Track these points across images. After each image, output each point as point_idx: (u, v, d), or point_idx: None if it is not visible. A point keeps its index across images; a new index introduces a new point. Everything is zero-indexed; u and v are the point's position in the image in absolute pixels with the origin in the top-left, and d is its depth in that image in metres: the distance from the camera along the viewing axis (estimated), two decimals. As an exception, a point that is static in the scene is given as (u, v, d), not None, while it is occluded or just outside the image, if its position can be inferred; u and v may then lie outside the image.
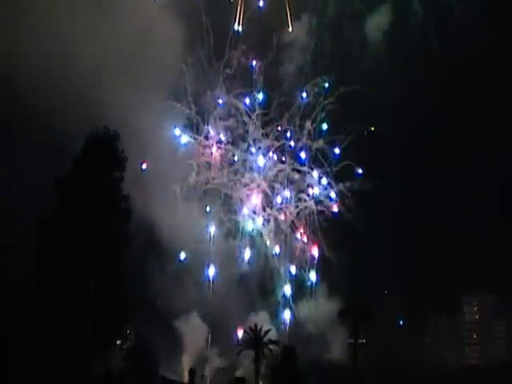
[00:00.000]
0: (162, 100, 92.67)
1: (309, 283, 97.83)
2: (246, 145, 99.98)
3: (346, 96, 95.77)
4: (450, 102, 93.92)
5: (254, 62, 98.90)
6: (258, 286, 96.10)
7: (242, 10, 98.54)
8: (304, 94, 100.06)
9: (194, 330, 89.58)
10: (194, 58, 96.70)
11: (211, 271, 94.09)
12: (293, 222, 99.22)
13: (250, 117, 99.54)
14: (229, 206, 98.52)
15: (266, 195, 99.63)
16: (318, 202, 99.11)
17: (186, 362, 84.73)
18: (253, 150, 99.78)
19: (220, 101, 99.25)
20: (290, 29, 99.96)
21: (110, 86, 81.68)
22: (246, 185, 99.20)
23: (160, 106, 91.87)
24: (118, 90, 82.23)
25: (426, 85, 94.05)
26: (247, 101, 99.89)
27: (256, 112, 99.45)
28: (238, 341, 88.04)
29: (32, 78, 75.54)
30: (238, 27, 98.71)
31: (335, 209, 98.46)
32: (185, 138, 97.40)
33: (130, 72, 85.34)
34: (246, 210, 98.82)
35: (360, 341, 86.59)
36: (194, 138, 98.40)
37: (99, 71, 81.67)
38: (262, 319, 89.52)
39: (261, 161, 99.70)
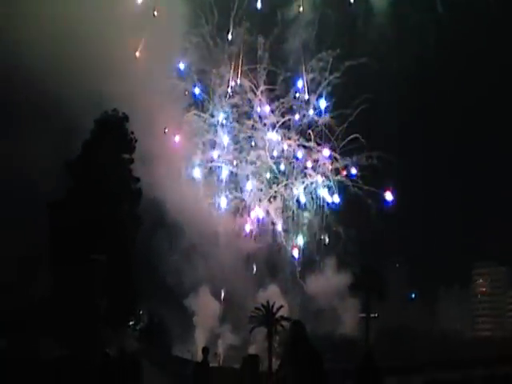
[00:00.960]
0: (167, 79, 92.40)
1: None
2: (251, 122, 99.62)
3: (352, 70, 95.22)
4: (458, 71, 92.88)
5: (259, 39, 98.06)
6: (265, 263, 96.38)
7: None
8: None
9: (205, 308, 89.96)
10: (199, 36, 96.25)
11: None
12: (299, 198, 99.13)
13: (255, 94, 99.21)
14: (234, 184, 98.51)
15: (271, 171, 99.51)
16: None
17: (199, 341, 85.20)
18: (257, 125, 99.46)
19: (225, 78, 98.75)
20: None
21: (114, 65, 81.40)
22: (251, 162, 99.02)
23: (165, 85, 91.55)
24: (123, 70, 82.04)
25: (434, 55, 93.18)
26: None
27: (261, 89, 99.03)
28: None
29: (38, 59, 75.38)
30: None
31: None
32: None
33: (134, 51, 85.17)
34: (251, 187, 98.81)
35: (372, 315, 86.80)
36: (199, 116, 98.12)
37: (102, 51, 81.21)
38: (272, 292, 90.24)
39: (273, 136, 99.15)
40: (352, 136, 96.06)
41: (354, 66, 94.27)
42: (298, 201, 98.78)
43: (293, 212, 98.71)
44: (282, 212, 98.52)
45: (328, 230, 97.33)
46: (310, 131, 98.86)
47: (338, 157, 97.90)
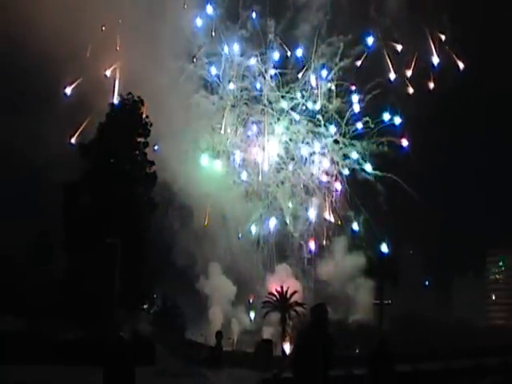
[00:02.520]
0: (177, 61, 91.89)
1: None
2: (260, 106, 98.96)
3: (362, 55, 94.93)
4: (474, 52, 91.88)
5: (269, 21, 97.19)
6: (275, 248, 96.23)
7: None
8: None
9: (218, 291, 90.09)
10: (209, 20, 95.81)
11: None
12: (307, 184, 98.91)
13: (264, 78, 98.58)
14: (243, 168, 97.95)
15: (280, 157, 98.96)
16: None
17: (213, 325, 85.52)
18: (267, 109, 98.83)
19: (235, 62, 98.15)
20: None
21: (124, 48, 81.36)
22: (260, 147, 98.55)
23: (175, 68, 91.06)
24: (133, 53, 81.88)
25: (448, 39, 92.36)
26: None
27: (269, 73, 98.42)
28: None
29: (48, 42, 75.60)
30: None
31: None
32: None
33: (144, 34, 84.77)
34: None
35: (385, 301, 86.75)
36: (208, 98, 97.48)
37: (114, 34, 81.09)
38: (284, 271, 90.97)
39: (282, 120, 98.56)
40: (362, 120, 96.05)
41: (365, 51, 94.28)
42: (305, 186, 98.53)
43: (301, 197, 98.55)
44: (290, 198, 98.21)
45: (337, 215, 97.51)
46: (319, 116, 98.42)
47: (346, 142, 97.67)
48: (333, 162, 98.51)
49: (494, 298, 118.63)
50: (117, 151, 49.99)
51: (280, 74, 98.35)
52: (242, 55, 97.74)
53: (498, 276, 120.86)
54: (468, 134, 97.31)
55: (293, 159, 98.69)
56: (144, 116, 53.50)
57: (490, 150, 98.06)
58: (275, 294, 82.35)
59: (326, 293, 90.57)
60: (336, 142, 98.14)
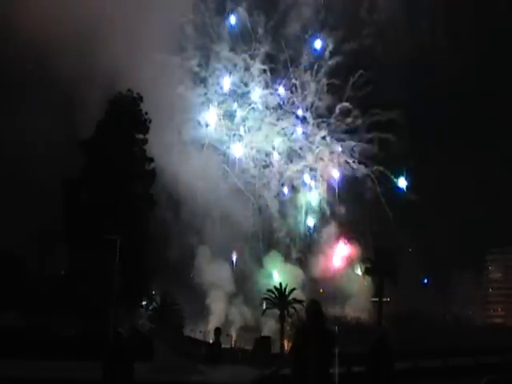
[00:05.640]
0: (165, 55, 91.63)
1: None
2: (249, 102, 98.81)
3: (353, 52, 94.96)
4: (467, 51, 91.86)
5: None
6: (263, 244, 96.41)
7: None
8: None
9: (217, 285, 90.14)
10: (198, 14, 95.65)
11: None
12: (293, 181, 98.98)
13: (252, 73, 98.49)
14: (228, 164, 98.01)
15: (266, 154, 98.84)
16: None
17: (212, 321, 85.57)
18: (256, 105, 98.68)
19: (222, 55, 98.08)
20: None
21: (112, 41, 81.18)
22: (246, 144, 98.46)
23: (163, 61, 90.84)
24: (120, 45, 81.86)
25: (441, 38, 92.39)
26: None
27: (258, 69, 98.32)
28: None
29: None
30: None
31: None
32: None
33: (133, 28, 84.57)
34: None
35: (384, 299, 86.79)
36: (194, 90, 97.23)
37: (101, 26, 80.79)
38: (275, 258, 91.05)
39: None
40: (351, 116, 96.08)
41: (356, 48, 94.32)
42: (292, 184, 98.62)
43: (288, 194, 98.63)
44: (276, 196, 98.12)
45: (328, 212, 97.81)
46: (307, 113, 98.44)
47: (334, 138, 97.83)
48: (320, 157, 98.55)
49: (492, 296, 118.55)
50: (116, 148, 50.03)
51: (269, 69, 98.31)
52: (230, 50, 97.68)
53: (496, 274, 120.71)
54: (468, 133, 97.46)
55: (279, 154, 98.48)
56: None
57: (491, 149, 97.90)
58: (274, 291, 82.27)
59: (322, 289, 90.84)
60: (323, 138, 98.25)
